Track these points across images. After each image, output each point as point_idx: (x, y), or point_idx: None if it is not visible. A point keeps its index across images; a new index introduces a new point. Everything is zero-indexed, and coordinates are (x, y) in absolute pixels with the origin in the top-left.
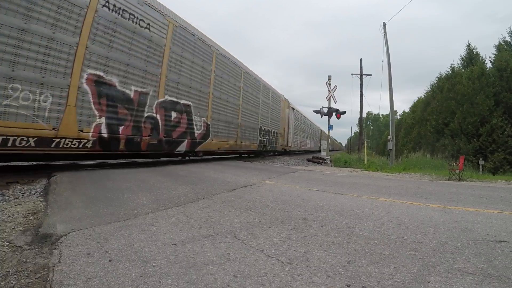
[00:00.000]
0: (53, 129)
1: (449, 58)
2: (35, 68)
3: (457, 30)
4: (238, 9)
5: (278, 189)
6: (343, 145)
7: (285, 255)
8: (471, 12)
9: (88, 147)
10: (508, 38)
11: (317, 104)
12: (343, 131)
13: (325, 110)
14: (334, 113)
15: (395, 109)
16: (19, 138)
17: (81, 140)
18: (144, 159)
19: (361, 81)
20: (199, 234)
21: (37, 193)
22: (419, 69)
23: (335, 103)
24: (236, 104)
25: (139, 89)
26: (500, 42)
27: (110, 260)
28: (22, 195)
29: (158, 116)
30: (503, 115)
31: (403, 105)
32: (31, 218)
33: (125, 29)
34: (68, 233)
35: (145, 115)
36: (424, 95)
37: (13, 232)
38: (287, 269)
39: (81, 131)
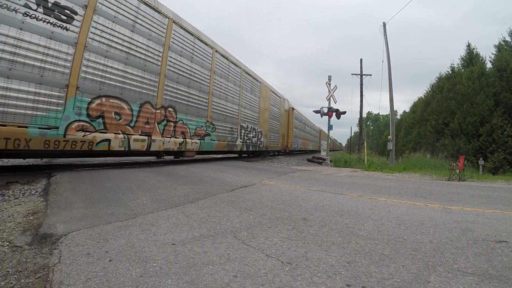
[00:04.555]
0: None
1: (449, 58)
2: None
3: (457, 30)
4: (239, 10)
5: (278, 189)
6: (343, 145)
7: (285, 255)
8: (471, 13)
9: None
10: (508, 38)
11: (317, 104)
12: (343, 131)
13: (325, 110)
14: (334, 113)
15: (395, 109)
16: None
17: None
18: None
19: (361, 81)
20: (199, 234)
21: (37, 193)
22: (419, 69)
23: (335, 103)
24: None
25: None
26: (500, 42)
27: (110, 260)
28: (22, 195)
29: None
30: (503, 115)
31: (403, 105)
32: (31, 218)
33: None
34: (68, 233)
35: None
36: (424, 95)
37: (13, 232)
38: (287, 269)
39: None
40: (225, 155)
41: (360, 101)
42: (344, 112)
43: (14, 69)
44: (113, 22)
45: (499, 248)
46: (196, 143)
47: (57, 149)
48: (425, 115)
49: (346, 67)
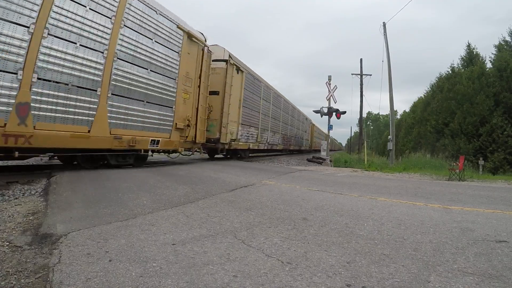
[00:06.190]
0: None
1: (448, 59)
2: None
3: (455, 31)
4: (240, 9)
5: (278, 189)
6: (343, 145)
7: (285, 255)
8: (468, 14)
9: None
10: (508, 38)
11: (317, 104)
12: (343, 131)
13: (325, 110)
14: (334, 113)
15: (395, 109)
16: None
17: None
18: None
19: (361, 81)
20: (199, 234)
21: (37, 193)
22: (418, 69)
23: (335, 103)
24: None
25: None
26: (500, 42)
27: (110, 260)
28: (22, 195)
29: None
30: (503, 115)
31: (402, 105)
32: (31, 218)
33: None
34: (68, 233)
35: None
36: (424, 95)
37: (13, 232)
38: (287, 269)
39: None
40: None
41: (360, 101)
42: (344, 112)
43: None
44: None
45: (499, 248)
46: None
47: None
48: (425, 115)
49: (346, 67)
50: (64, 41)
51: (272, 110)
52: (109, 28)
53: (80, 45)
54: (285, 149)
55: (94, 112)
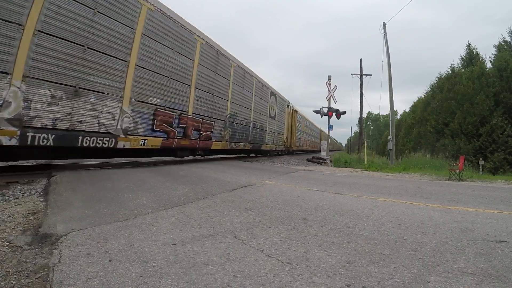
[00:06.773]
0: None
1: (448, 59)
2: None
3: (455, 31)
4: (240, 9)
5: (278, 189)
6: (343, 145)
7: (285, 255)
8: (468, 14)
9: None
10: (508, 38)
11: (317, 104)
12: (343, 131)
13: (325, 110)
14: (334, 113)
15: (395, 109)
16: None
17: None
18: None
19: (361, 81)
20: (199, 234)
21: (37, 193)
22: (418, 69)
23: (335, 103)
24: None
25: None
26: (500, 42)
27: (110, 260)
28: (22, 195)
29: None
30: (503, 115)
31: (402, 105)
32: (31, 218)
33: None
34: (68, 233)
35: None
36: (424, 95)
37: (13, 232)
38: (287, 269)
39: None
40: (225, 156)
41: (360, 101)
42: (344, 112)
43: None
44: None
45: (499, 248)
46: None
47: None
48: (425, 115)
49: (346, 67)
50: None
51: (95, 34)
52: None
53: None
54: (181, 147)
55: None
